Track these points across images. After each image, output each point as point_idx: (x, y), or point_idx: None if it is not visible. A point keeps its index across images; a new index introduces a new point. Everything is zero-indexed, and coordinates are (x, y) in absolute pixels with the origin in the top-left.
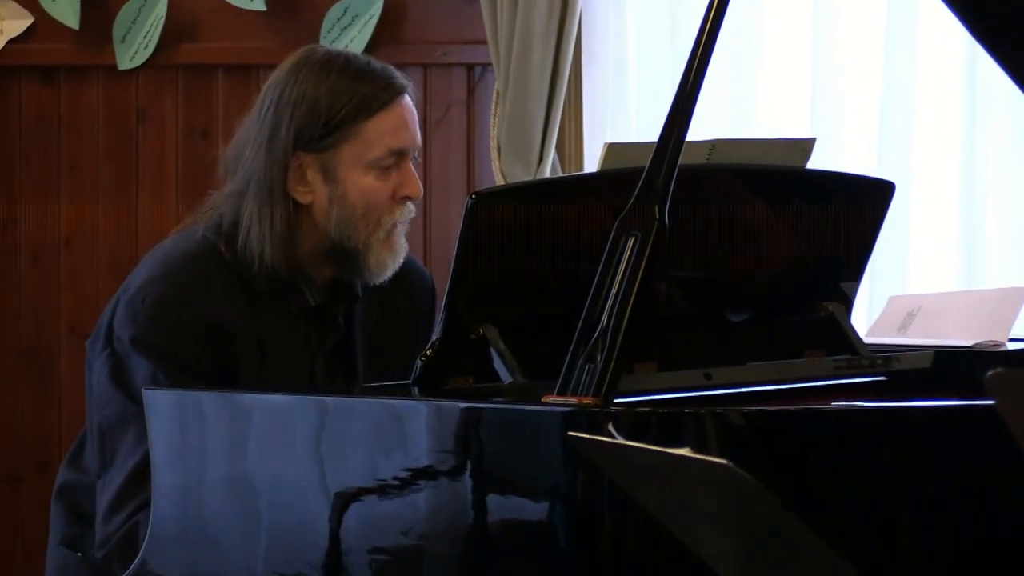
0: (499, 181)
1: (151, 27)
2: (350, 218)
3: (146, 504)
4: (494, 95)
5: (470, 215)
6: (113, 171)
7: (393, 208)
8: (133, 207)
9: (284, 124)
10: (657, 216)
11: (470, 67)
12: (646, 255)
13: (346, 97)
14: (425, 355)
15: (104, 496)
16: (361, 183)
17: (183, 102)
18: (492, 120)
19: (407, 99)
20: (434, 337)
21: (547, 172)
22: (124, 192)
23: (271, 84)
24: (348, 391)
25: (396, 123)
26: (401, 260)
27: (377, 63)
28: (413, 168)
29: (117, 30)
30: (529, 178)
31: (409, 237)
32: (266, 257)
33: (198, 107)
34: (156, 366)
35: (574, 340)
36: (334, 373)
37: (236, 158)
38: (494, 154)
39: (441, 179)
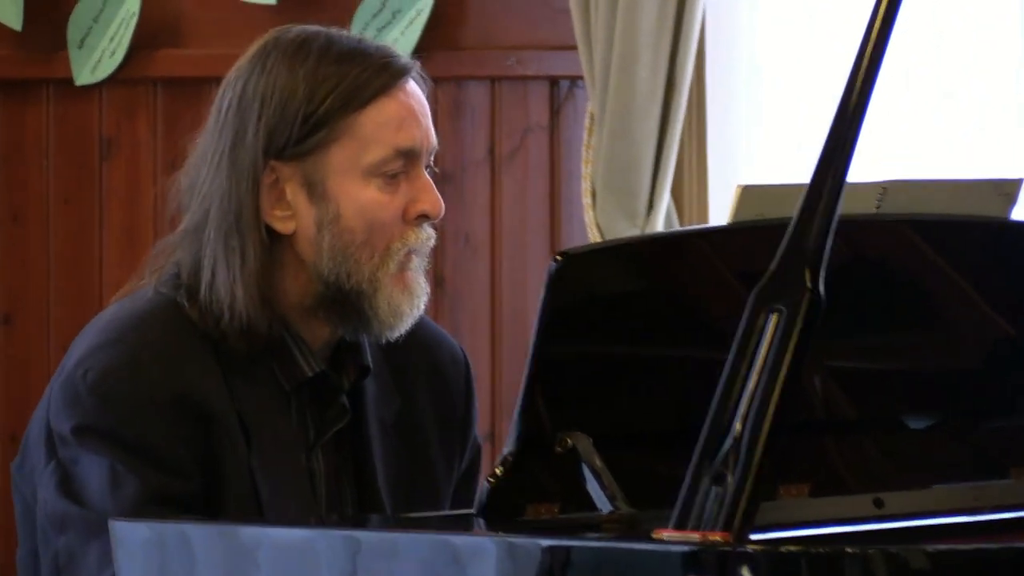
0: (593, 237)
1: (119, 28)
2: (348, 247)
3: None
4: (587, 119)
5: (555, 283)
6: (69, 220)
7: (405, 231)
8: (96, 268)
9: (250, 127)
10: (809, 285)
11: (554, 81)
12: (794, 338)
13: (331, 83)
14: (494, 475)
15: None
16: (360, 197)
17: (162, 127)
18: (584, 153)
19: (413, 84)
20: (506, 450)
21: (659, 225)
22: (84, 248)
23: (230, 79)
24: (389, 522)
25: (401, 113)
26: (421, 306)
27: (371, 41)
28: (429, 178)
29: (73, 32)
30: (635, 232)
31: (472, 313)
32: (238, 306)
33: (182, 133)
34: (113, 458)
35: (696, 454)
36: (340, 473)
37: (191, 185)
38: (587, 199)
39: (514, 233)
